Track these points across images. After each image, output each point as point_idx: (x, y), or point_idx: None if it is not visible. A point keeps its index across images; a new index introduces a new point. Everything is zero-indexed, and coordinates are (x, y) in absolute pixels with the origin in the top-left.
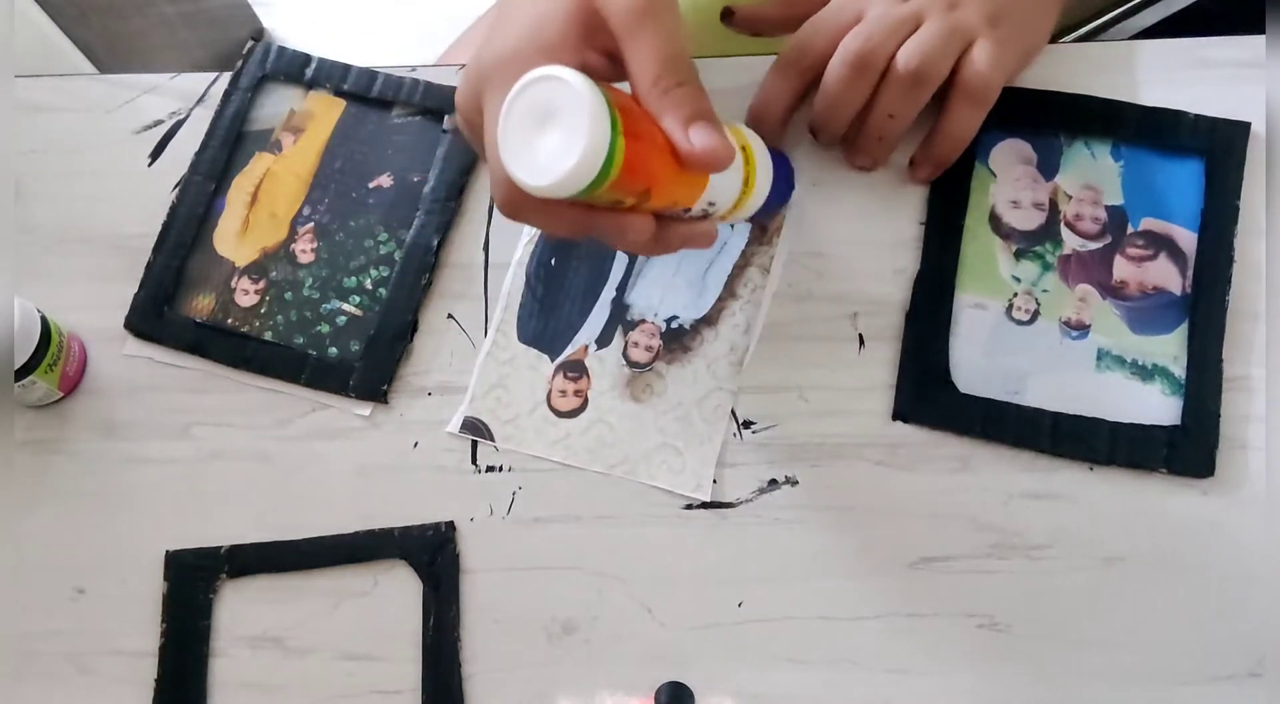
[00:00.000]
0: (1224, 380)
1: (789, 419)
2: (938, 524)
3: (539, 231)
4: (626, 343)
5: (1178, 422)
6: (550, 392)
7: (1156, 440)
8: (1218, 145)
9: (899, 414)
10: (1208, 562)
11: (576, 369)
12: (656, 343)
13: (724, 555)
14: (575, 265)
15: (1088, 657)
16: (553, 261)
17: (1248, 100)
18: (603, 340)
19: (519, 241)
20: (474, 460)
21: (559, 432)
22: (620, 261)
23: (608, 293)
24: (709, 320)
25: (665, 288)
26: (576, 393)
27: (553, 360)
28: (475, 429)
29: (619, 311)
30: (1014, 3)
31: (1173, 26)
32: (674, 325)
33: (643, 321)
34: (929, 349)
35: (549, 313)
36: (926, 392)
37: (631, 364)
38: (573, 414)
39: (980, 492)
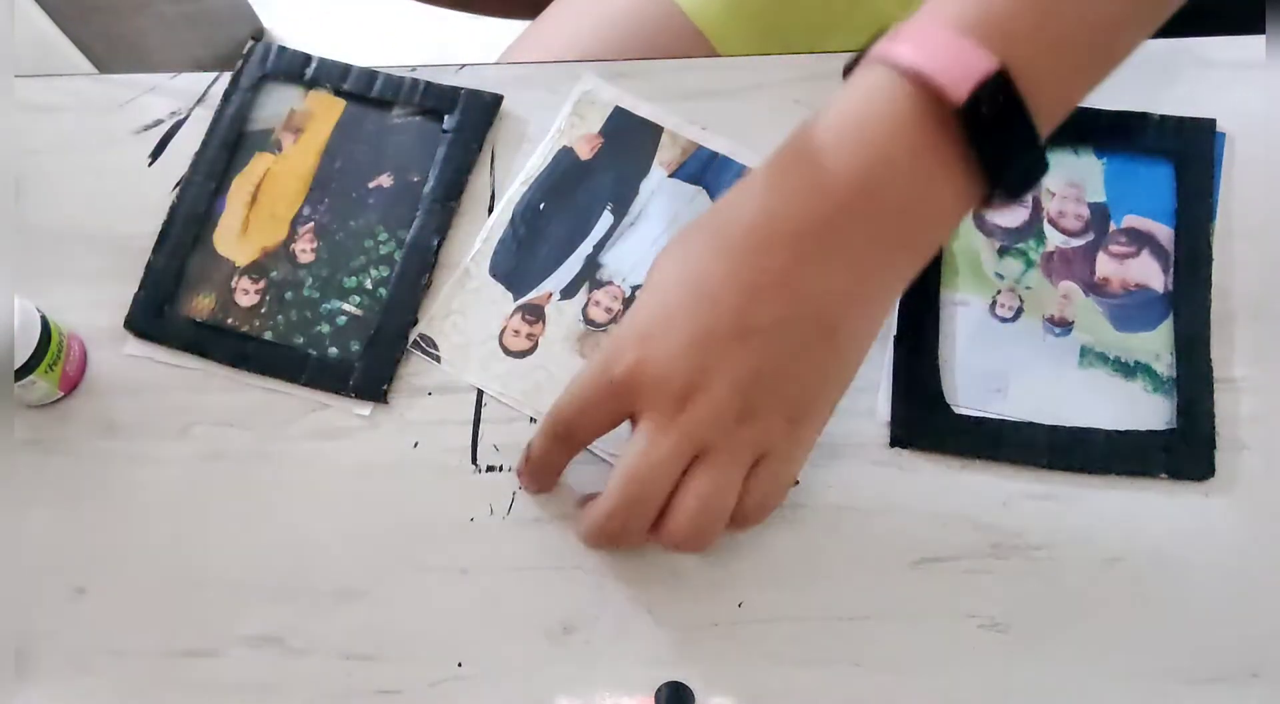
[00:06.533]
0: (1216, 381)
1: None
2: (938, 524)
3: (538, 171)
4: (589, 300)
5: (1167, 422)
6: (505, 329)
7: (1153, 446)
8: (1185, 145)
9: (896, 441)
10: (1208, 562)
11: (535, 313)
12: (618, 307)
13: (724, 555)
14: (562, 214)
15: (1088, 657)
16: (541, 205)
17: (1246, 100)
18: (568, 292)
19: (516, 177)
20: (474, 460)
21: (502, 368)
22: (605, 220)
23: (585, 248)
24: None
25: (641, 256)
26: (529, 336)
27: (515, 299)
28: (425, 346)
29: (590, 268)
30: (825, 377)
31: (1172, 26)
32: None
33: (610, 283)
34: (920, 371)
35: (525, 253)
36: (920, 416)
37: (588, 322)
38: (520, 355)
39: (980, 492)
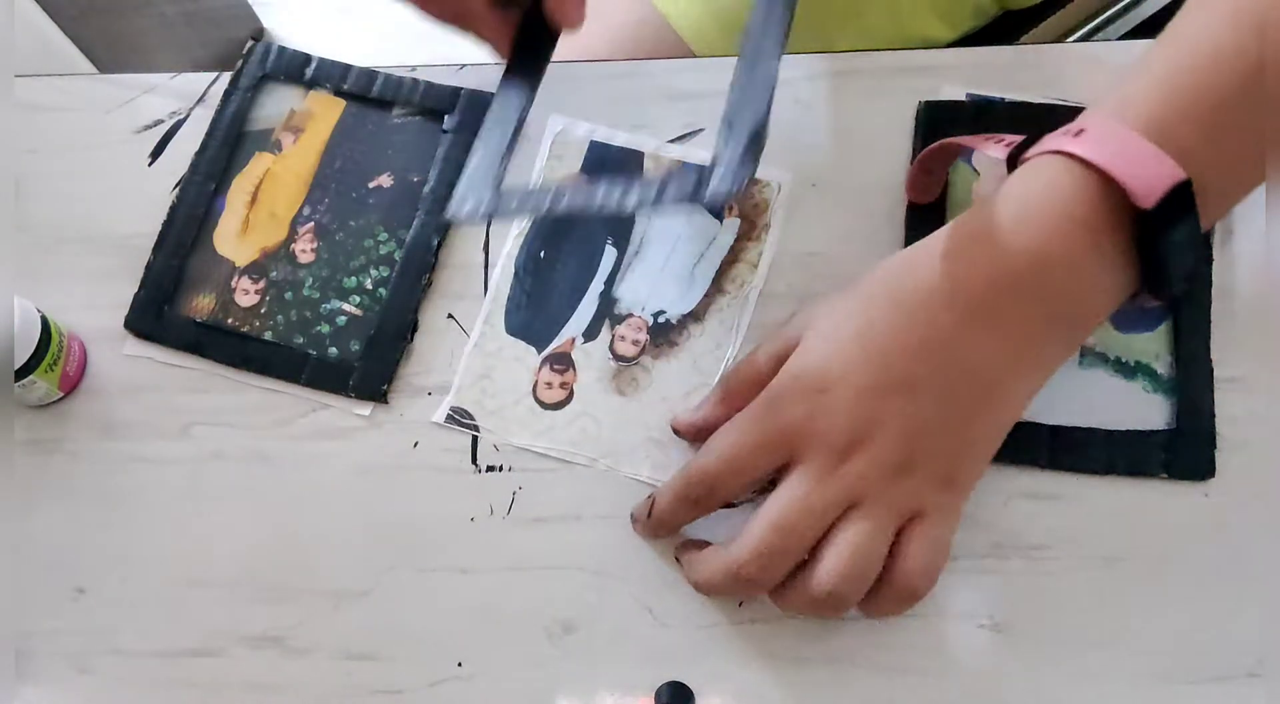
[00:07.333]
0: (1216, 381)
1: None
2: None
3: (529, 224)
4: (614, 336)
5: (1168, 423)
6: (536, 383)
7: (1154, 445)
8: None
9: None
10: (1208, 562)
11: (563, 361)
12: (643, 337)
13: None
14: (564, 258)
15: (1088, 657)
16: (542, 254)
17: None
18: (590, 333)
19: (508, 234)
20: (474, 460)
21: (544, 423)
22: (609, 255)
23: (596, 286)
24: (696, 315)
25: (653, 282)
26: (562, 385)
27: (539, 352)
28: (460, 419)
29: (607, 305)
30: (977, 440)
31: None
32: (661, 319)
33: (630, 315)
34: None
35: (537, 305)
36: None
37: (618, 358)
38: (558, 406)
39: (980, 491)
